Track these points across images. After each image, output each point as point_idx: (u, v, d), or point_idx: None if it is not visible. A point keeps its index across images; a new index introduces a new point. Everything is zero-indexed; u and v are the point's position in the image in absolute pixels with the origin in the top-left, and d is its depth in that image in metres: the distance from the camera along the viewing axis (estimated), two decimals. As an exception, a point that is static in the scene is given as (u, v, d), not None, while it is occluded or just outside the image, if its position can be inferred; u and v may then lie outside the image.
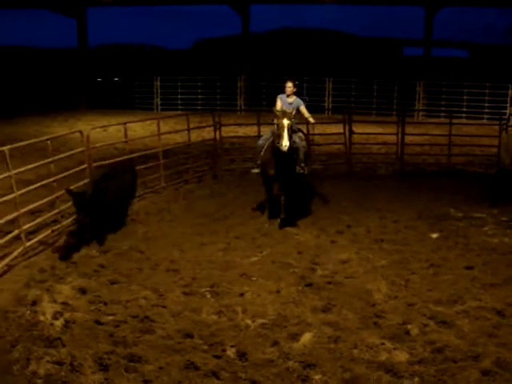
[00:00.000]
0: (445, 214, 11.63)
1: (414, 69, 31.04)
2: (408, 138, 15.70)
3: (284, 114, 10.16)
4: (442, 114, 26.38)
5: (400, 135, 15.56)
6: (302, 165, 10.80)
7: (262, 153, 10.96)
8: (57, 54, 41.67)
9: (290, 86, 11.19)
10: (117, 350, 6.36)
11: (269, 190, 11.00)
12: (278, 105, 11.12)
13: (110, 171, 10.34)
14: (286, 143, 9.89)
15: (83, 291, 7.92)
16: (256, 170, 11.14)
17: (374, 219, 11.28)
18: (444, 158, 16.26)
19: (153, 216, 11.63)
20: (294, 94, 11.31)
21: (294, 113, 10.59)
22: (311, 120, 11.40)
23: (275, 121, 10.45)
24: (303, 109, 11.29)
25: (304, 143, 11.33)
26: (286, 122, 9.99)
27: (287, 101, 11.20)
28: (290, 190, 10.81)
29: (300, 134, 11.48)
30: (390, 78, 29.69)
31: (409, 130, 15.92)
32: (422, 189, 13.60)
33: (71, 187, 9.67)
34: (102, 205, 9.42)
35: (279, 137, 10.05)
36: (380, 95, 28.47)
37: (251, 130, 17.58)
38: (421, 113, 27.68)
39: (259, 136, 15.30)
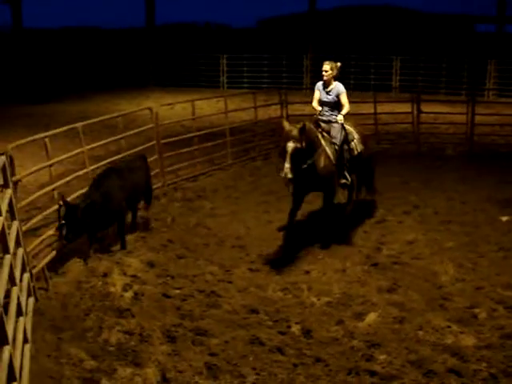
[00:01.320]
0: (516, 196, 11.27)
1: (486, 46, 30.02)
2: (478, 118, 15.27)
3: (291, 132, 7.91)
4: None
5: (469, 115, 15.16)
6: (345, 175, 9.04)
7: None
8: (126, 34, 42.39)
9: (326, 69, 8.95)
10: (184, 323, 6.53)
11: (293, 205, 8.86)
12: (316, 97, 9.16)
13: (116, 169, 8.91)
14: (286, 172, 7.72)
15: (151, 265, 8.13)
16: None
17: (442, 200, 11.07)
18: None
19: (219, 193, 11.79)
20: (336, 79, 9.07)
21: (332, 100, 8.96)
22: (339, 117, 8.90)
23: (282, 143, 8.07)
24: (343, 98, 8.95)
25: (355, 142, 9.29)
26: (289, 145, 7.78)
27: (325, 90, 9.08)
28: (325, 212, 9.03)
29: (352, 133, 9.33)
30: (459, 55, 28.85)
31: (479, 109, 15.46)
32: (491, 170, 13.22)
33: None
34: (107, 212, 8.36)
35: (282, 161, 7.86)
36: (449, 74, 27.71)
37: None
38: (491, 92, 26.79)
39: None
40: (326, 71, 8.94)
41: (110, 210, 8.42)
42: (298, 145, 7.82)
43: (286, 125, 8.05)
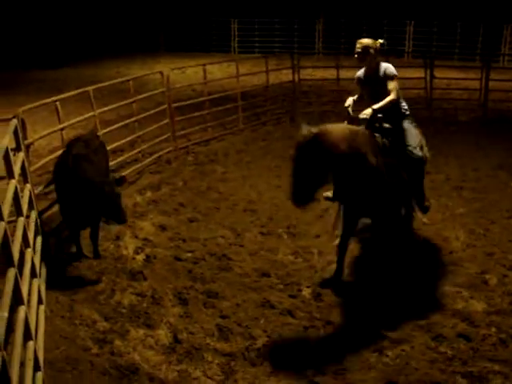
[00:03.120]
0: (529, 164, 11.17)
1: (502, 10, 29.44)
2: (492, 84, 15.07)
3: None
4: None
5: (483, 81, 14.96)
6: None
7: None
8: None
9: (358, 48, 6.74)
10: (195, 286, 6.60)
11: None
12: (349, 100, 6.87)
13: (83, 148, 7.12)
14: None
15: (163, 228, 8.19)
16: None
17: (454, 166, 11.01)
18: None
19: (231, 157, 11.78)
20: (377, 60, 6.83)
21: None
22: (382, 103, 6.58)
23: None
24: (391, 84, 6.69)
25: None
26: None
27: (362, 74, 6.97)
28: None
29: None
30: (474, 20, 28.36)
31: (493, 75, 15.25)
32: (504, 137, 13.09)
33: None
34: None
35: None
36: (463, 39, 27.28)
37: (329, 73, 17.28)
38: (507, 58, 26.40)
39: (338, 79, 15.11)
40: (358, 48, 6.75)
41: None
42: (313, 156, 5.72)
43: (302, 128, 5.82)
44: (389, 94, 6.68)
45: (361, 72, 7.01)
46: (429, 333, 5.72)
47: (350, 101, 6.89)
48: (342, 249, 6.69)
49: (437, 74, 15.45)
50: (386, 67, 6.82)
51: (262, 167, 11.01)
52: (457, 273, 6.94)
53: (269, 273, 6.91)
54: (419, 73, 15.55)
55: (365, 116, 6.54)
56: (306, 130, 5.73)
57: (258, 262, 7.20)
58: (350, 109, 6.84)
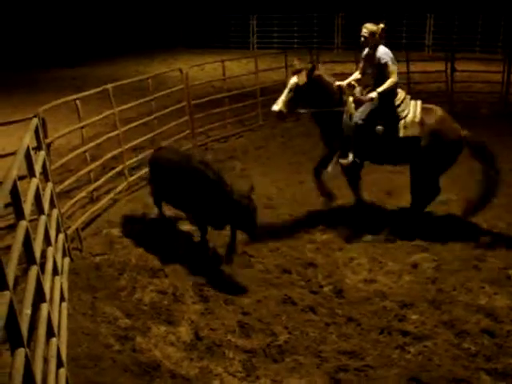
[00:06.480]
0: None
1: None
2: (514, 77, 14.87)
3: (295, 67, 7.77)
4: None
5: (505, 74, 14.77)
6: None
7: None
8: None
9: (365, 32, 7.63)
10: (216, 283, 6.58)
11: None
12: (360, 66, 8.10)
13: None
14: (276, 103, 7.53)
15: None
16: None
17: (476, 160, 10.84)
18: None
19: (250, 153, 11.77)
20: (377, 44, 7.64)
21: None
22: (384, 86, 7.43)
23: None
24: (391, 67, 7.47)
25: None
26: (291, 80, 7.59)
27: (365, 55, 7.90)
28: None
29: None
30: (496, 12, 28.00)
31: (515, 67, 15.05)
32: (526, 130, 12.92)
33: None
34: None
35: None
36: (485, 31, 26.96)
37: (349, 68, 17.16)
38: (528, 50, 26.03)
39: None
40: (365, 33, 7.63)
41: None
42: (300, 82, 7.51)
43: (297, 63, 7.81)
44: (385, 77, 7.46)
45: (366, 51, 7.84)
46: (452, 329, 5.67)
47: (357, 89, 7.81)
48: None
49: (458, 66, 15.29)
50: (382, 53, 7.54)
51: (282, 163, 10.97)
52: (480, 268, 6.87)
53: (290, 269, 6.89)
54: (440, 66, 15.41)
55: (371, 97, 7.48)
56: (299, 63, 7.67)
57: (279, 259, 7.18)
58: (356, 90, 7.81)
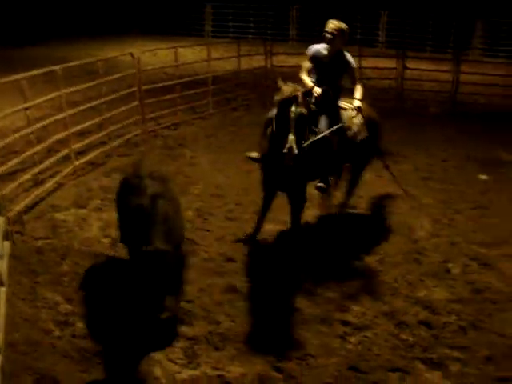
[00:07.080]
0: (495, 157, 11.24)
1: (475, 4, 29.64)
2: (463, 77, 15.19)
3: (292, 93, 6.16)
4: (501, 54, 25.31)
5: (455, 73, 15.09)
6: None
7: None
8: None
9: (333, 29, 6.78)
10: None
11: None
12: (305, 66, 7.07)
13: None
14: (290, 145, 5.86)
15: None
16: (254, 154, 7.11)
17: (422, 157, 11.09)
18: (499, 100, 15.70)
19: (200, 141, 11.71)
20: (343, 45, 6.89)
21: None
22: (355, 102, 6.94)
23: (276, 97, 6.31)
24: (357, 73, 7.26)
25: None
26: (293, 111, 6.07)
27: (324, 54, 6.96)
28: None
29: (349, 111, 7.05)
30: (447, 12, 28.53)
31: (464, 68, 15.39)
32: (473, 129, 13.19)
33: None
34: None
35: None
36: (436, 31, 27.45)
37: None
38: (478, 51, 26.64)
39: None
40: (330, 30, 6.81)
41: None
42: (304, 110, 6.11)
43: (282, 84, 6.30)
44: (353, 82, 7.03)
45: (321, 49, 6.97)
46: (392, 320, 5.80)
47: (317, 89, 6.85)
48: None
49: (409, 64, 15.53)
50: (350, 57, 6.91)
51: (231, 152, 10.94)
52: (421, 261, 7.02)
53: (234, 258, 6.90)
54: (391, 63, 15.61)
55: (358, 106, 6.91)
56: (287, 86, 6.19)
57: (223, 247, 7.18)
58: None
